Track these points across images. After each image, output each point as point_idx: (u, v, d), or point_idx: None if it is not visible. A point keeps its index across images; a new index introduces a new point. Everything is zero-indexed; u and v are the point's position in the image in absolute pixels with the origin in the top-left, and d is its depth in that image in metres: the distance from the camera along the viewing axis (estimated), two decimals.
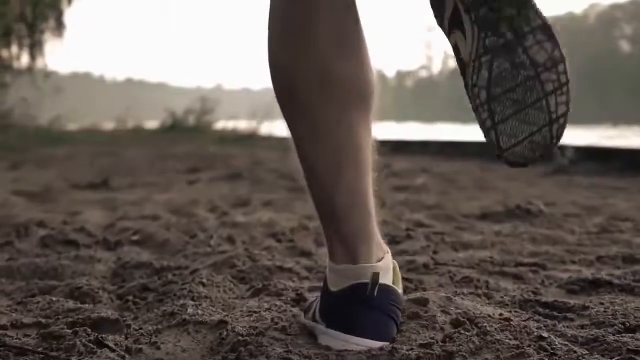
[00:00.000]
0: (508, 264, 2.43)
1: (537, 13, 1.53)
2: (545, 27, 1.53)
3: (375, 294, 1.58)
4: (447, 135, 16.25)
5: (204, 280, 2.02)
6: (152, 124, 20.29)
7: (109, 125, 21.01)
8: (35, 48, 21.81)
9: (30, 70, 21.54)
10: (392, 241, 2.79)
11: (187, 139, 14.43)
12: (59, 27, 22.23)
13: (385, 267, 1.63)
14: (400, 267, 1.73)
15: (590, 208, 4.12)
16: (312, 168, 1.64)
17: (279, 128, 16.19)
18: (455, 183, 6.03)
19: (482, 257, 2.50)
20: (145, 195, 5.30)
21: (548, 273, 2.33)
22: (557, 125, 1.55)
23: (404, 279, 1.85)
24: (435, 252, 2.60)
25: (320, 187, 1.65)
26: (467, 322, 1.62)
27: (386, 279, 1.61)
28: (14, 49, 21.80)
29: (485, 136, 1.55)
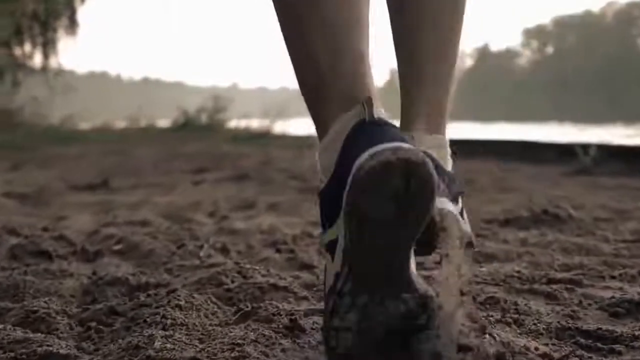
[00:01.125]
0: (538, 279, 2.10)
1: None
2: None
3: (375, 116, 1.34)
4: (464, 133, 15.91)
5: (182, 302, 1.70)
6: (164, 123, 20.07)
7: (121, 124, 20.80)
8: (48, 46, 21.66)
9: (43, 68, 21.40)
10: None
11: (199, 138, 14.14)
12: (72, 25, 22.07)
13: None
14: None
15: (621, 212, 3.79)
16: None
17: (292, 126, 15.96)
18: (474, 184, 5.70)
19: (508, 271, 2.18)
20: (145, 196, 5.01)
21: (585, 291, 2.00)
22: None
23: None
24: None
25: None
26: None
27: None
28: (27, 47, 21.72)
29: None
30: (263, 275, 2.07)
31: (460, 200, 1.60)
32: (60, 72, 20.68)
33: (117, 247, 2.61)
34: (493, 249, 2.55)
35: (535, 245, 2.65)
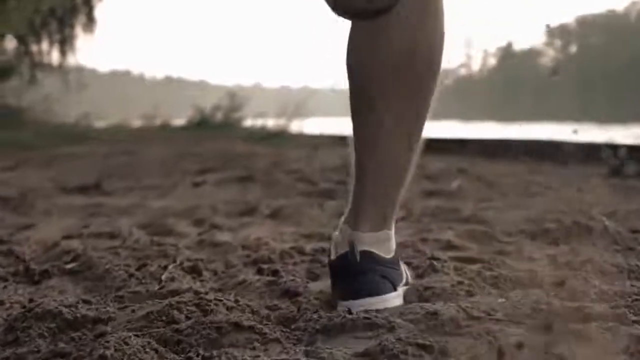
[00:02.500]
0: (572, 314, 1.69)
1: None
2: None
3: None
4: (487, 133, 15.46)
5: (110, 352, 1.30)
6: (181, 121, 19.74)
7: (137, 123, 20.50)
8: (66, 44, 21.43)
9: (59, 66, 21.17)
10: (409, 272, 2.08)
11: (213, 137, 13.77)
12: (90, 22, 21.81)
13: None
14: (417, 322, 1.60)
15: None
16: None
17: (309, 125, 15.58)
18: (496, 187, 5.28)
19: (534, 302, 1.75)
20: (139, 200, 4.63)
21: (632, 331, 1.59)
22: None
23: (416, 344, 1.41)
24: (468, 294, 1.85)
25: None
26: None
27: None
28: (45, 44, 21.48)
29: None
30: (229, 309, 1.66)
31: (404, 275, 1.87)
32: (72, 70, 20.36)
33: (70, 266, 2.21)
34: (516, 271, 2.13)
35: (566, 265, 2.22)
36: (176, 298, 1.70)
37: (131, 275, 2.03)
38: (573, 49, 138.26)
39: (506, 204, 4.31)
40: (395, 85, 1.70)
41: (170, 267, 2.07)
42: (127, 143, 12.29)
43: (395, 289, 1.78)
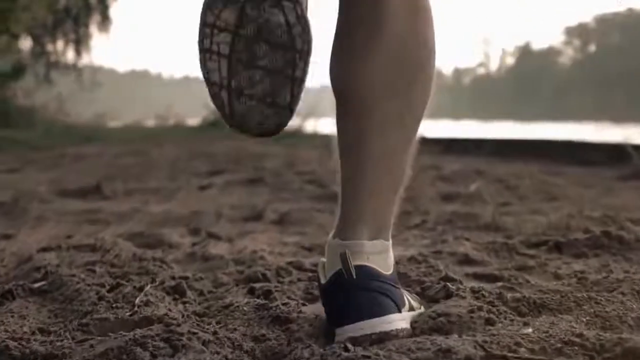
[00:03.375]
0: (610, 349, 1.43)
1: None
2: None
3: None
4: (505, 133, 15.19)
5: None
6: (195, 121, 19.55)
7: (151, 123, 20.33)
8: (81, 43, 21.31)
9: (74, 66, 21.05)
10: (420, 295, 1.82)
11: (226, 137, 13.52)
12: (105, 22, 21.68)
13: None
14: None
15: None
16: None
17: (324, 125, 15.34)
18: (515, 190, 5.02)
19: (565, 333, 1.49)
20: (139, 204, 4.40)
21: None
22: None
23: None
24: (488, 323, 1.59)
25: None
26: None
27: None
28: (60, 44, 21.35)
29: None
30: (205, 343, 1.40)
31: (405, 299, 1.62)
32: (87, 69, 20.22)
33: (38, 285, 1.95)
34: (541, 292, 1.87)
35: (597, 285, 1.95)
36: (143, 330, 1.44)
37: (101, 298, 1.77)
38: (592, 48, 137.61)
39: (526, 208, 4.06)
40: (386, 88, 1.59)
41: (147, 287, 1.81)
42: (139, 143, 12.08)
43: (399, 310, 1.56)
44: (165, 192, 5.04)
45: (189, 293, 1.85)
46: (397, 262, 1.74)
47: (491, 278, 2.03)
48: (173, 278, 1.98)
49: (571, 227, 3.08)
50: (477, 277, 2.06)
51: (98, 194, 4.81)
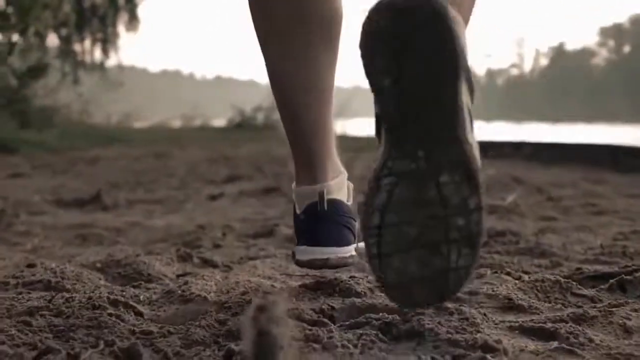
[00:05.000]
0: None
1: (461, 144, 1.36)
2: (469, 168, 1.37)
3: (326, 208, 1.84)
4: (540, 136, 14.69)
5: None
6: (221, 122, 19.26)
7: (177, 124, 20.05)
8: (108, 42, 21.12)
9: (101, 65, 20.85)
10: None
11: (252, 139, 13.17)
12: (133, 21, 21.49)
13: (337, 185, 1.88)
14: None
15: None
16: (284, 100, 1.86)
17: (353, 126, 14.90)
18: (558, 202, 4.55)
19: None
20: (139, 217, 3.98)
21: None
22: (455, 276, 1.41)
23: None
24: None
25: (291, 119, 1.87)
26: None
27: (339, 195, 1.88)
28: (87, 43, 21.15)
29: (368, 263, 1.45)
30: None
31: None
32: (114, 69, 19.98)
33: None
34: (610, 358, 1.41)
35: None
36: None
37: None
38: (626, 48, 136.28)
39: (571, 225, 3.60)
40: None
41: (87, 354, 1.36)
42: (161, 145, 11.70)
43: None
44: (172, 202, 4.62)
45: (145, 358, 1.40)
46: (422, 313, 1.54)
47: (543, 335, 1.57)
48: (132, 333, 1.53)
49: (628, 253, 2.62)
50: (524, 331, 1.60)
51: (97, 204, 4.38)
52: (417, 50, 1.34)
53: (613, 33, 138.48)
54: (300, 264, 1.86)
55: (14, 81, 13.73)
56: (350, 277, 1.99)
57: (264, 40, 1.81)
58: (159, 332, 1.55)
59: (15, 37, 14.10)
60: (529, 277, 2.03)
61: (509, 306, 1.78)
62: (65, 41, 19.89)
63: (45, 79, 14.90)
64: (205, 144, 12.13)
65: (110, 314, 1.60)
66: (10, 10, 14.31)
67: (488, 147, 9.74)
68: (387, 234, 1.39)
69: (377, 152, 1.44)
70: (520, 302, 1.79)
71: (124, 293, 1.88)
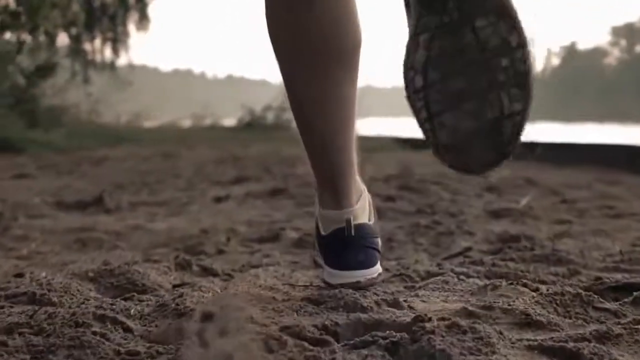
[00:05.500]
0: None
1: None
2: (502, 7, 1.29)
3: (353, 233, 1.86)
4: (553, 135, 14.51)
5: None
6: (231, 121, 19.13)
7: (187, 123, 19.94)
8: (118, 42, 21.05)
9: (111, 64, 20.80)
10: None
11: (262, 139, 13.04)
12: (143, 20, 21.41)
13: (361, 208, 1.89)
14: None
15: None
16: (307, 130, 1.85)
17: (365, 126, 14.75)
18: (573, 204, 4.41)
19: None
20: (142, 220, 3.88)
21: None
22: (511, 123, 1.37)
23: None
24: None
25: (314, 147, 1.86)
26: None
27: (363, 217, 1.90)
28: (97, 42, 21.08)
29: (420, 129, 1.42)
30: None
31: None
32: (118, 68, 19.91)
33: None
34: None
35: None
36: None
37: None
38: (639, 48, 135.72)
39: (587, 229, 3.46)
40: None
41: None
42: (170, 145, 11.59)
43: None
44: (176, 204, 4.50)
45: None
46: (432, 332, 1.41)
47: (564, 355, 1.44)
48: (117, 354, 1.40)
49: None
50: (544, 351, 1.47)
51: (99, 206, 4.27)
52: None
53: (625, 32, 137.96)
54: (330, 286, 1.90)
55: (22, 80, 13.65)
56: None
57: (286, 72, 1.80)
58: (146, 353, 1.42)
59: (25, 37, 14.03)
60: (547, 289, 1.90)
61: (527, 322, 1.66)
62: (75, 40, 19.81)
63: (55, 79, 14.82)
64: (215, 144, 12.01)
65: (94, 332, 1.48)
66: (20, 9, 14.24)
67: None
68: (433, 93, 1.37)
69: (408, 21, 1.41)
70: (538, 317, 1.66)
71: (114, 306, 1.76)
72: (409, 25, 1.41)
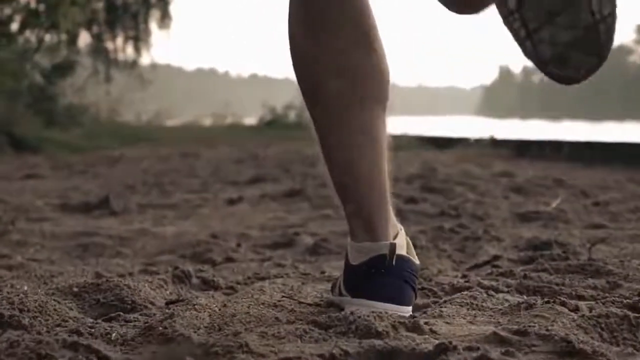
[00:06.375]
0: None
1: None
2: None
3: (394, 263, 1.72)
4: (580, 134, 14.23)
5: None
6: (253, 120, 18.95)
7: (208, 122, 19.79)
8: (140, 40, 20.90)
9: (133, 63, 20.66)
10: None
11: (282, 137, 12.82)
12: (165, 19, 21.25)
13: (400, 243, 1.76)
14: None
15: None
16: (330, 154, 1.76)
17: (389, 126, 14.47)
18: (605, 207, 4.17)
19: None
20: (149, 224, 3.69)
21: None
22: (604, 26, 1.42)
23: None
24: None
25: (339, 173, 1.77)
26: None
27: (400, 251, 1.75)
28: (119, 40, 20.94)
29: (520, 49, 1.46)
30: None
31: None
32: (139, 67, 19.78)
33: None
34: None
35: None
36: None
37: None
38: None
39: (624, 234, 3.23)
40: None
41: None
42: (190, 144, 11.40)
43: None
44: (187, 207, 4.29)
45: None
46: None
47: None
48: None
49: None
50: None
51: (105, 209, 4.06)
52: None
53: None
54: None
55: (41, 79, 13.52)
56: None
57: (313, 114, 1.78)
58: None
59: (45, 35, 13.90)
60: (590, 310, 1.66)
61: (568, 351, 1.41)
62: (97, 39, 19.69)
63: (75, 77, 14.69)
64: (234, 143, 11.81)
65: None
66: (39, 7, 14.11)
67: (526, 147, 9.35)
68: (528, 10, 1.42)
69: None
70: (581, 345, 1.42)
71: (93, 330, 1.54)
72: None
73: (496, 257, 2.64)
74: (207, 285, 2.16)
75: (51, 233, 3.35)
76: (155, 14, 20.94)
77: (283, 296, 1.91)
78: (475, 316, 1.71)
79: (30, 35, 14.35)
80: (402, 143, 10.26)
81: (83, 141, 10.93)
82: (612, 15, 1.43)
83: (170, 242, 3.18)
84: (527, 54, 1.46)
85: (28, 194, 4.75)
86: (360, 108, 1.72)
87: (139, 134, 13.38)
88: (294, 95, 17.15)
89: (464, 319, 1.68)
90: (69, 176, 6.39)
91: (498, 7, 1.46)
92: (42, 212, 3.93)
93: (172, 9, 24.97)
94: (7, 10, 13.99)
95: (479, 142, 10.36)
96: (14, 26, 13.97)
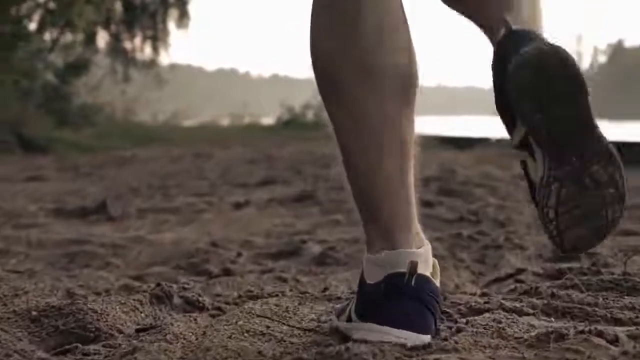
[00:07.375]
0: None
1: (600, 140, 1.57)
2: (607, 154, 1.57)
3: (413, 283, 1.55)
4: (604, 134, 13.93)
5: None
6: (270, 120, 18.78)
7: (225, 122, 19.64)
8: (158, 40, 20.80)
9: (152, 63, 20.55)
10: None
11: (300, 137, 12.61)
12: (183, 18, 21.15)
13: (424, 257, 1.61)
14: None
15: None
16: (350, 157, 1.65)
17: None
18: (634, 211, 3.89)
19: None
20: (146, 230, 3.49)
21: None
22: (613, 226, 1.64)
23: None
24: None
25: (358, 176, 1.65)
26: None
27: (424, 270, 1.59)
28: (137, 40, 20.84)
29: (549, 239, 1.62)
30: None
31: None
32: (157, 67, 19.66)
33: None
34: None
35: None
36: None
37: None
38: None
39: None
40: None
41: None
42: (204, 144, 11.20)
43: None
44: (190, 211, 4.06)
45: None
46: None
47: None
48: None
49: None
50: None
51: (102, 214, 3.83)
52: (559, 91, 1.56)
53: None
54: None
55: (54, 79, 13.36)
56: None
57: (334, 118, 1.65)
58: None
59: (61, 34, 13.77)
60: (634, 341, 1.40)
61: None
62: (115, 38, 19.59)
63: (90, 77, 14.55)
64: (249, 143, 11.60)
65: None
66: (54, 6, 13.99)
67: None
68: (562, 221, 1.59)
69: (534, 162, 1.62)
70: None
71: None
72: (538, 169, 1.62)
73: (519, 271, 2.39)
74: (191, 305, 1.90)
75: (38, 241, 3.13)
76: (173, 14, 20.84)
77: (274, 319, 1.66)
78: (497, 346, 1.44)
79: (45, 34, 14.22)
80: (421, 143, 10.03)
81: (94, 141, 10.75)
82: (619, 216, 1.64)
83: (166, 251, 2.97)
84: (553, 242, 1.63)
85: (24, 197, 4.53)
86: (381, 108, 1.62)
87: (153, 135, 13.18)
88: (312, 95, 16.96)
89: (483, 352, 1.42)
90: (73, 178, 6.18)
91: (539, 214, 1.61)
92: (34, 218, 3.72)
93: (191, 8, 24.84)
94: (23, 10, 13.86)
95: (499, 142, 10.10)
96: (31, 26, 13.85)
